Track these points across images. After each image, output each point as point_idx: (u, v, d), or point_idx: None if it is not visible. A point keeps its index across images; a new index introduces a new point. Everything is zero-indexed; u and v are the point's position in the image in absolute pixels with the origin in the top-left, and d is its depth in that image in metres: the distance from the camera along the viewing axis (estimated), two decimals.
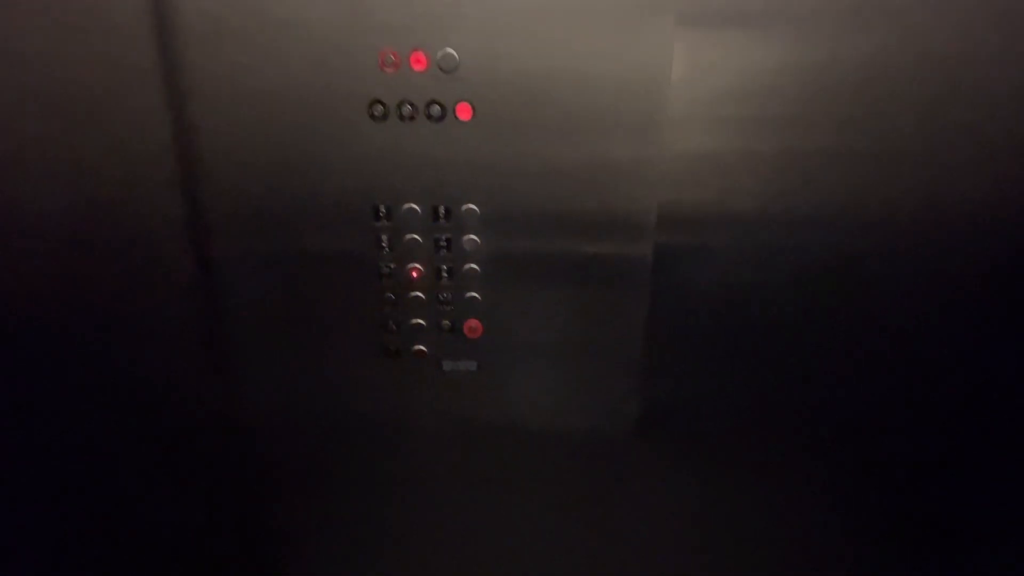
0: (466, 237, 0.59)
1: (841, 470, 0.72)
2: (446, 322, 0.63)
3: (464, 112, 0.54)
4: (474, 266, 0.60)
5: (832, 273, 0.62)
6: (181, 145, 0.55)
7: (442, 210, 0.58)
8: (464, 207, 0.58)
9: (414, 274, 0.60)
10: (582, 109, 0.54)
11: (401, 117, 0.54)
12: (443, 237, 0.59)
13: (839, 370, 0.66)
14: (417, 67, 0.52)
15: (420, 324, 0.63)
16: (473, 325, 0.63)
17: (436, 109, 0.53)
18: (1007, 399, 0.67)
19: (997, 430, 0.68)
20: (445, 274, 0.60)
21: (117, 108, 0.53)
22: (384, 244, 0.59)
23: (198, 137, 0.55)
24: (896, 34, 0.54)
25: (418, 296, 0.62)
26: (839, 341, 0.65)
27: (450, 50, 0.51)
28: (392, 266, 0.60)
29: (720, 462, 0.72)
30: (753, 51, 0.54)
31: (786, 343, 0.65)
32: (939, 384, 0.66)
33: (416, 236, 0.59)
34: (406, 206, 0.57)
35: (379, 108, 0.53)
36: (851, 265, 0.62)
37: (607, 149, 0.56)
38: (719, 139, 0.58)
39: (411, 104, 0.53)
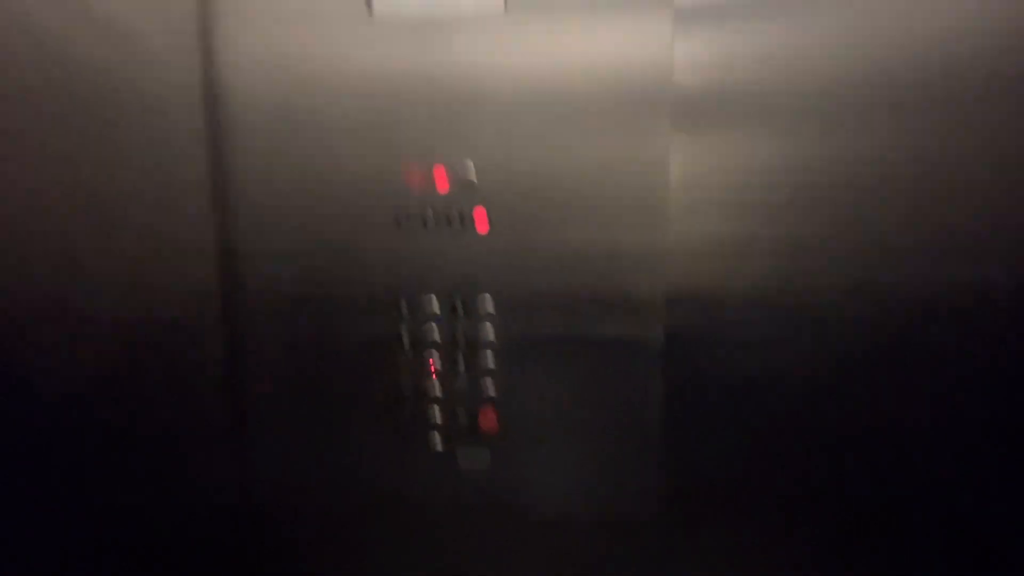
0: (482, 329, 0.62)
1: (867, 551, 0.68)
2: (462, 411, 0.64)
3: (480, 216, 0.59)
4: (489, 357, 0.63)
5: (841, 356, 0.62)
6: (223, 245, 0.61)
7: (459, 304, 0.61)
8: (480, 301, 0.61)
9: (431, 365, 0.63)
10: (588, 207, 0.59)
11: (423, 222, 0.59)
12: (459, 330, 0.62)
13: (854, 450, 0.64)
14: (438, 178, 0.58)
15: (437, 414, 0.64)
16: (489, 414, 0.64)
17: (455, 214, 0.59)
18: None
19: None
20: (461, 365, 0.63)
21: (166, 213, 0.60)
22: (403, 336, 0.62)
23: (240, 238, 0.61)
24: (889, 127, 0.59)
25: (435, 386, 0.64)
26: (853, 421, 0.64)
27: (468, 162, 0.58)
28: (410, 358, 0.63)
29: (744, 543, 0.68)
30: (747, 145, 0.60)
31: (802, 423, 0.64)
32: (958, 464, 0.64)
33: (434, 329, 0.62)
34: (425, 299, 0.61)
35: (403, 214, 0.59)
36: (860, 349, 0.62)
37: (613, 242, 0.60)
38: (720, 225, 0.61)
39: (432, 209, 0.59)
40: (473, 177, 0.58)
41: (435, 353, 0.63)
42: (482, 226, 0.59)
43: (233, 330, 0.63)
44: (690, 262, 0.62)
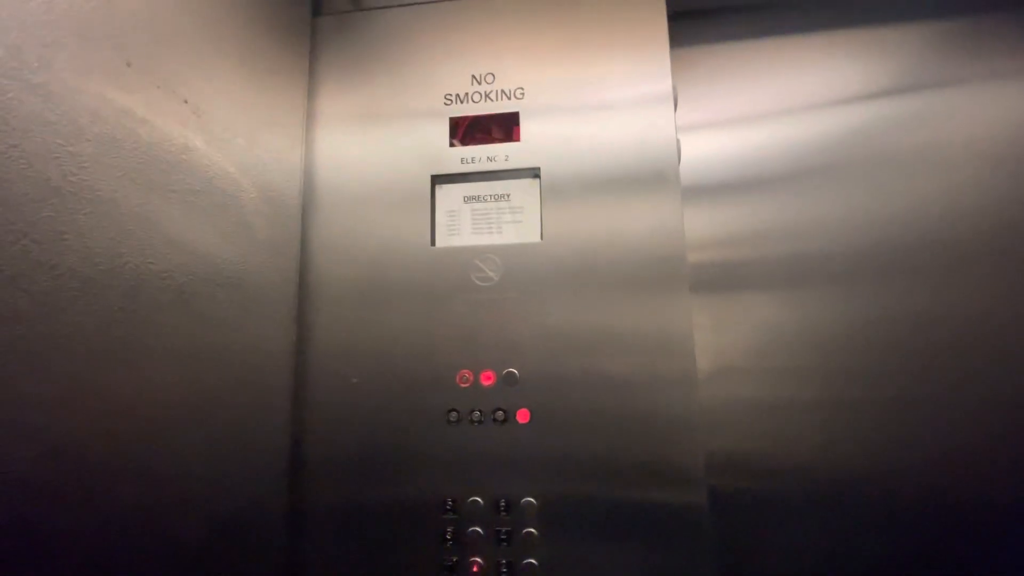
0: (525, 531, 0.62)
1: None
2: None
3: (523, 416, 0.64)
4: (533, 561, 0.61)
5: (890, 519, 0.62)
6: (294, 449, 0.67)
7: (503, 504, 0.63)
8: (524, 500, 0.63)
9: (475, 568, 0.62)
10: (618, 402, 0.63)
11: (471, 422, 0.65)
12: (504, 531, 0.62)
13: None
14: (486, 383, 0.65)
15: None
16: None
17: (500, 414, 0.64)
18: None
19: None
20: (504, 569, 0.62)
21: (248, 422, 0.67)
22: (448, 536, 0.63)
23: (308, 440, 0.67)
24: (894, 291, 0.67)
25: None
26: None
27: (513, 369, 0.65)
28: (455, 559, 0.62)
29: None
30: (766, 310, 0.67)
31: None
32: None
33: (478, 529, 0.63)
34: (471, 499, 0.63)
35: (454, 415, 0.65)
36: (904, 510, 0.62)
37: (647, 442, 0.62)
38: (750, 391, 0.65)
39: (480, 411, 0.65)
40: (517, 382, 0.65)
41: (477, 558, 0.62)
42: (524, 424, 0.64)
43: (292, 529, 0.66)
44: (726, 427, 0.65)
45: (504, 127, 0.72)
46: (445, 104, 0.73)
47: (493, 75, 0.73)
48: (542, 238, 0.69)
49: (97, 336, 0.44)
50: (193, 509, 0.54)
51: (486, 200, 0.71)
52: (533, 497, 0.62)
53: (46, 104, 0.41)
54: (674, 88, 0.69)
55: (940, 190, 0.70)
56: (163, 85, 0.51)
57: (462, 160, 0.72)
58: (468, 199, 0.72)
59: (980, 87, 0.73)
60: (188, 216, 0.53)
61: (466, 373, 0.66)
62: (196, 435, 0.54)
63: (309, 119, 0.75)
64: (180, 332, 0.51)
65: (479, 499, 0.63)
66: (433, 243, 0.71)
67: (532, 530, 0.62)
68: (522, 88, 0.72)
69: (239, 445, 0.59)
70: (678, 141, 0.68)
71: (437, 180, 0.72)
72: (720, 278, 0.72)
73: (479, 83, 0.73)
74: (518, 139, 0.71)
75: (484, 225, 0.71)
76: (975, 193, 0.70)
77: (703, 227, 0.75)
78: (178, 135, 0.52)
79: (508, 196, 0.71)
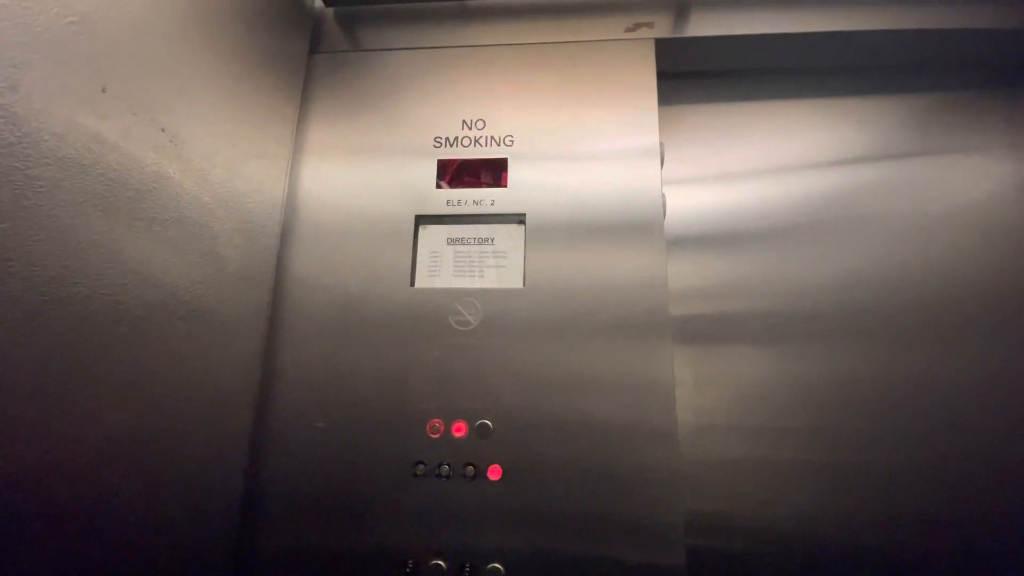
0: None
1: None
2: None
3: (495, 472, 0.61)
4: None
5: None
6: (247, 496, 0.62)
7: (468, 568, 0.58)
8: (490, 566, 0.58)
9: None
10: (596, 458, 0.60)
11: (439, 476, 0.61)
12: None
13: None
14: (458, 434, 0.62)
15: None
16: None
17: (470, 469, 0.61)
18: None
19: None
20: None
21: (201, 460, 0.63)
22: None
23: (264, 486, 0.63)
24: (866, 352, 0.65)
25: None
26: None
27: (486, 420, 0.62)
28: None
29: None
30: (751, 366, 0.65)
31: None
32: None
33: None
34: (433, 562, 0.59)
35: (421, 467, 0.61)
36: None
37: (625, 501, 0.59)
38: (729, 448, 0.63)
39: (449, 464, 0.61)
40: (490, 435, 0.62)
41: None
42: (495, 480, 0.60)
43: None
44: (706, 487, 0.63)
45: (492, 172, 0.72)
46: (434, 146, 0.73)
47: (484, 121, 0.73)
48: (524, 284, 0.67)
49: (36, 369, 0.41)
50: (131, 558, 0.49)
51: (470, 243, 0.70)
52: (500, 563, 0.58)
53: (7, 125, 0.39)
54: (661, 144, 0.70)
55: (919, 256, 0.71)
56: (140, 112, 0.49)
57: (448, 202, 0.71)
58: (452, 241, 0.70)
59: (954, 159, 0.75)
60: (152, 246, 0.50)
61: (437, 422, 0.62)
62: (140, 478, 0.49)
63: (296, 152, 0.74)
64: (132, 366, 0.48)
65: (441, 562, 0.58)
66: (413, 283, 0.69)
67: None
68: (512, 136, 0.72)
69: (188, 490, 0.54)
70: (663, 195, 0.68)
71: (421, 220, 0.71)
72: (701, 331, 0.71)
73: (469, 128, 0.73)
74: (505, 185, 0.71)
75: (466, 268, 0.69)
76: (953, 260, 0.70)
77: (685, 279, 0.74)
78: (151, 163, 0.50)
79: (492, 240, 0.70)
